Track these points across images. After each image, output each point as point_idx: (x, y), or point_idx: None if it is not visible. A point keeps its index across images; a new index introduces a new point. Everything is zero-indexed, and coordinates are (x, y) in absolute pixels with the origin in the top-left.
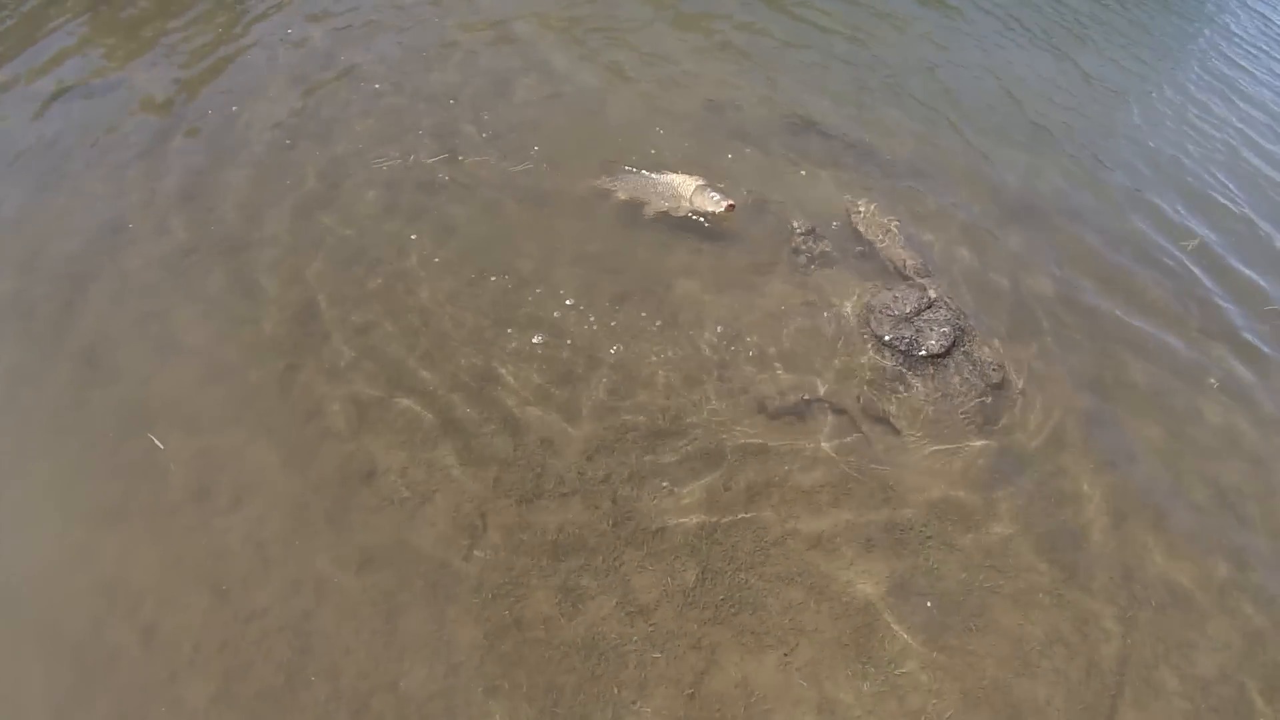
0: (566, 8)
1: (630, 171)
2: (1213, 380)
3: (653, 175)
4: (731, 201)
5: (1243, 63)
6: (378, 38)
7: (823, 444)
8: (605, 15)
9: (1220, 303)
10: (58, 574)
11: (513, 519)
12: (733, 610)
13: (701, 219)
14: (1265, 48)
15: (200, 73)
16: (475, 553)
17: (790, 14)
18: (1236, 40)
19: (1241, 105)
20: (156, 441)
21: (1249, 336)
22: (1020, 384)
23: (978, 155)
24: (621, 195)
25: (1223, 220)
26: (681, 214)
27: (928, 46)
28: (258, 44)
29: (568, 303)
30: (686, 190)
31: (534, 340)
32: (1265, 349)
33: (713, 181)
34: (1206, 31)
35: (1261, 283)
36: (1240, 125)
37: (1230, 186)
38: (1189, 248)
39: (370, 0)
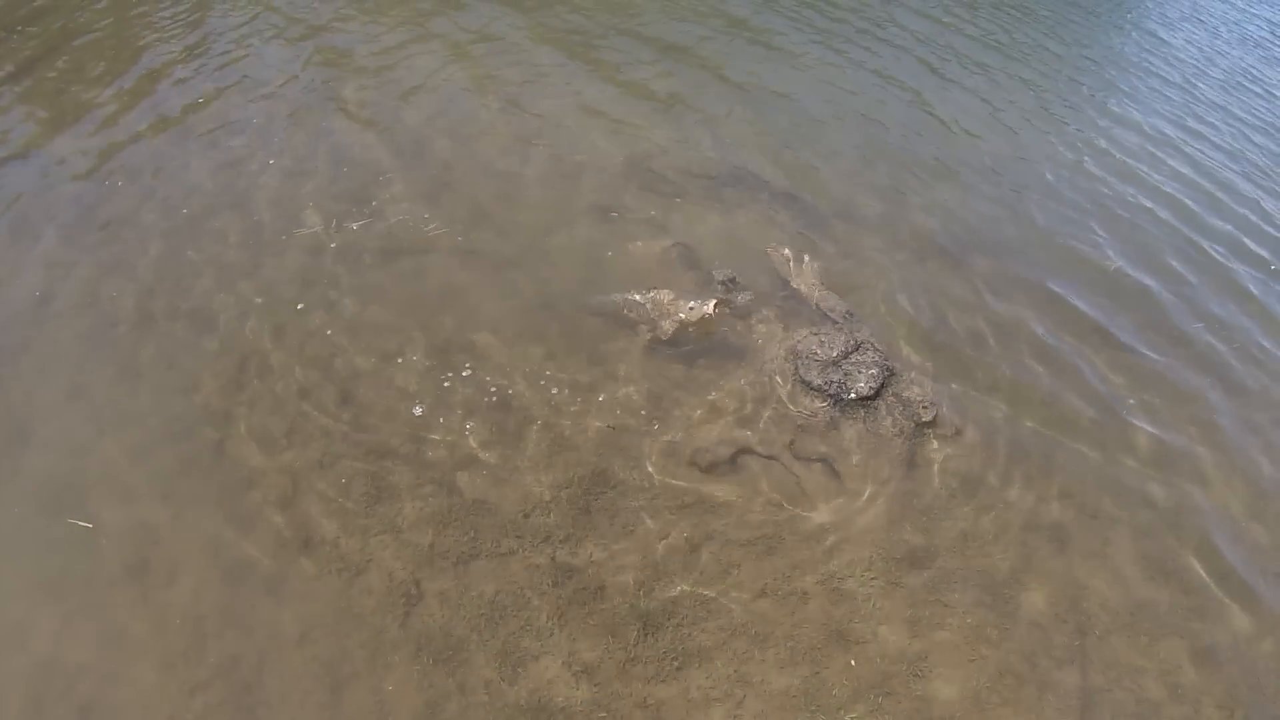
0: (481, 66)
1: (617, 298)
2: (1131, 401)
3: (636, 297)
4: (716, 299)
5: (1147, 85)
6: (292, 103)
7: (757, 493)
8: (519, 68)
9: (1143, 325)
10: None
11: (450, 583)
12: (676, 665)
13: (691, 328)
14: (1162, 72)
15: (119, 141)
16: (412, 619)
17: (704, 66)
18: (1139, 66)
19: (1150, 129)
20: (81, 523)
21: (1172, 358)
22: (952, 420)
23: (899, 194)
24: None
25: (1140, 243)
26: (674, 328)
27: (844, 90)
28: (174, 112)
29: (497, 363)
30: (671, 306)
31: (465, 402)
32: (1185, 372)
33: (681, 291)
34: (1112, 60)
35: (1182, 303)
36: (1151, 149)
37: (1146, 210)
38: (1110, 270)
39: (279, 64)
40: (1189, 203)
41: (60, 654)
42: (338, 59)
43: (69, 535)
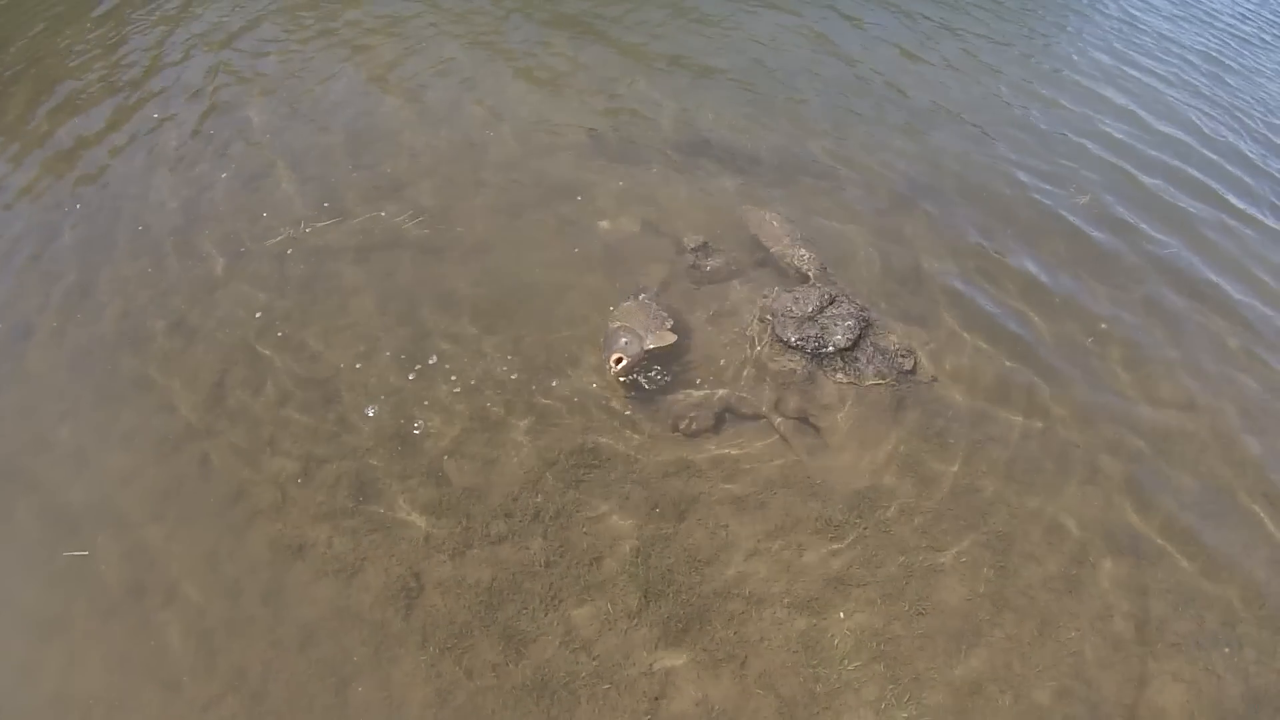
0: (430, 56)
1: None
2: (1104, 325)
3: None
4: (617, 353)
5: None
6: (251, 110)
7: (744, 453)
8: (466, 55)
9: (1118, 255)
10: (2, 696)
11: (447, 573)
12: (679, 629)
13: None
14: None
15: (79, 164)
16: (414, 612)
17: (662, 33)
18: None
19: (1115, 68)
20: (77, 553)
21: (1148, 287)
22: (931, 366)
23: (865, 147)
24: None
25: (1110, 176)
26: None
27: (805, 46)
28: (134, 131)
29: (475, 350)
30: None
31: (445, 390)
32: (1170, 295)
33: (626, 322)
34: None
35: (1154, 232)
36: (1097, 85)
37: (1116, 140)
38: (1083, 203)
39: (235, 71)
40: (1143, 135)
41: (69, 687)
42: (276, 64)
43: (67, 566)
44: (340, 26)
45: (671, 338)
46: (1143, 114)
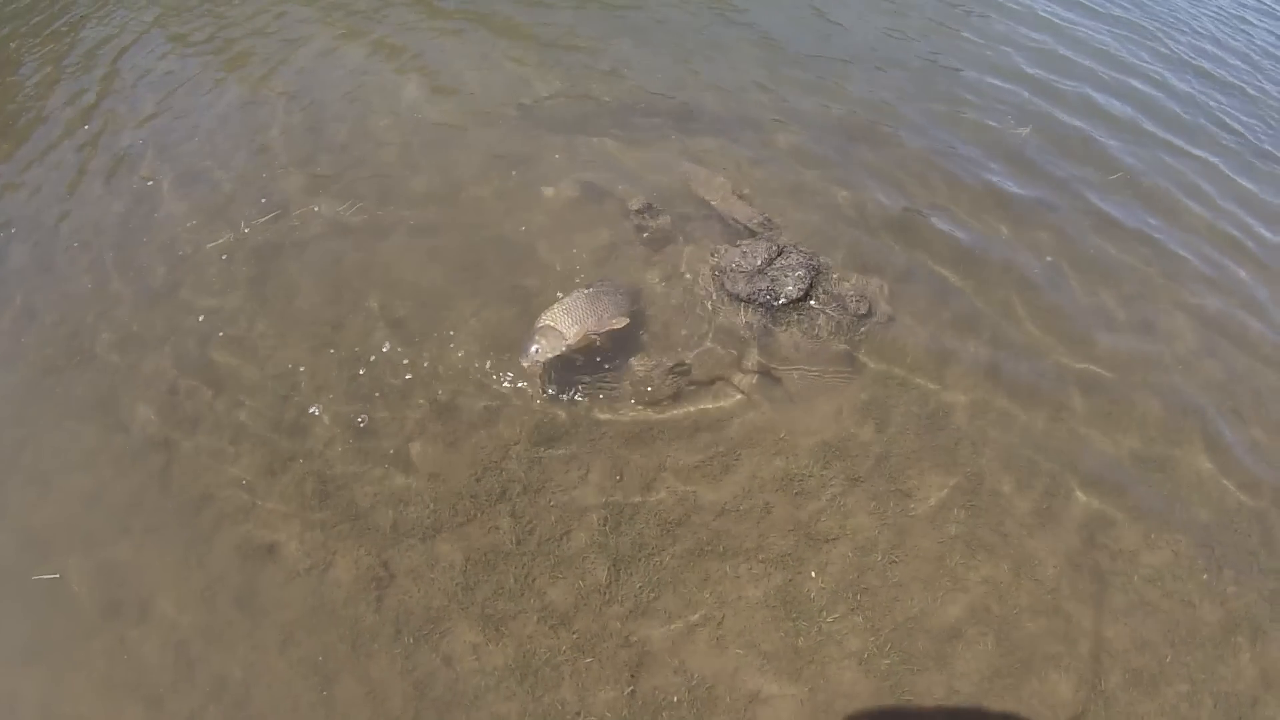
0: (358, 38)
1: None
2: (1048, 256)
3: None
4: (528, 360)
5: None
6: (179, 110)
7: (705, 414)
8: (393, 26)
9: (1061, 181)
10: None
11: (418, 559)
12: (653, 596)
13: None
14: None
15: (11, 185)
16: (386, 602)
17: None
18: None
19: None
20: (48, 576)
21: (1099, 205)
22: (887, 307)
23: (802, 93)
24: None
25: (1053, 103)
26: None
27: (720, 5)
28: (64, 146)
29: (428, 334)
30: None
31: (400, 378)
32: (1116, 214)
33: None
34: None
35: (1101, 153)
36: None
37: (1053, 70)
38: (1024, 134)
39: (165, 77)
40: (1079, 63)
41: (52, 714)
42: (204, 62)
43: (39, 591)
44: (254, 19)
45: (621, 322)
46: (1061, 48)
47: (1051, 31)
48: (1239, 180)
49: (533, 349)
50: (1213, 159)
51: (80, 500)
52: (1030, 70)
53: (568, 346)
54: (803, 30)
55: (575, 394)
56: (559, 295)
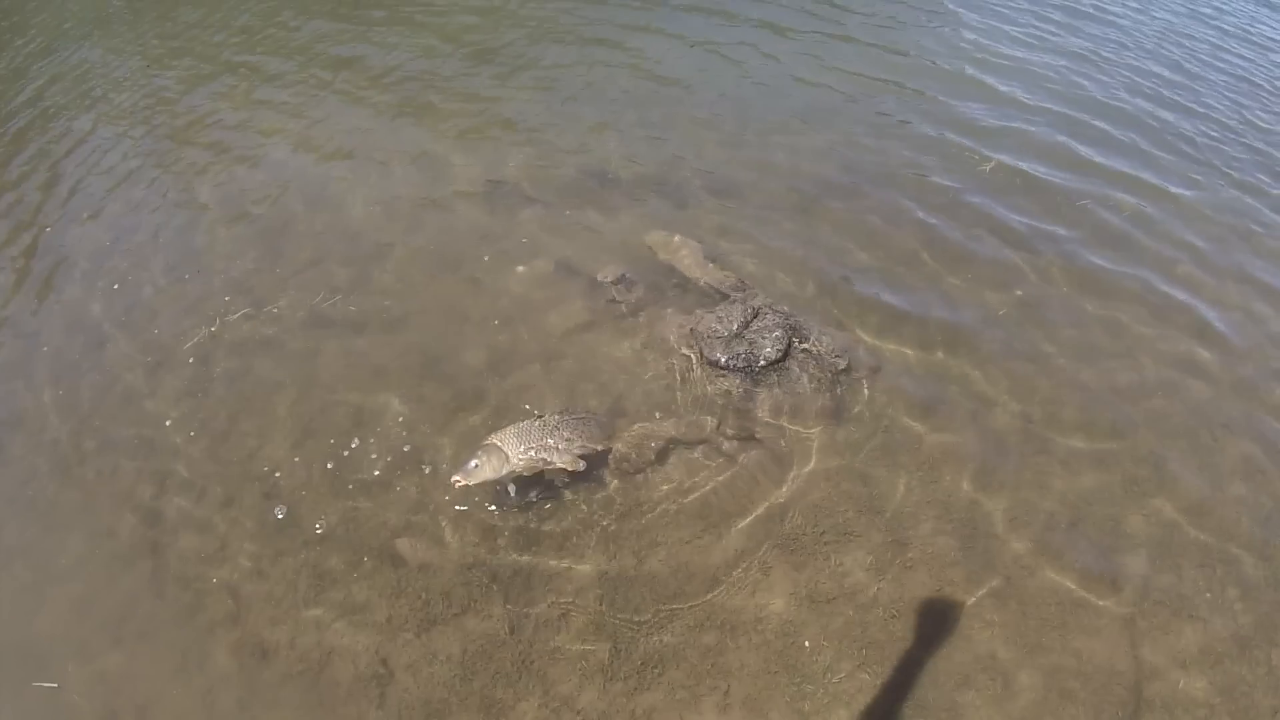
0: (316, 134)
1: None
2: (1018, 289)
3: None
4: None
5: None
6: (141, 212)
7: (693, 483)
8: (337, 121)
9: (1022, 217)
10: None
11: (415, 654)
12: (656, 672)
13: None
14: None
15: None
16: (388, 698)
17: (530, 76)
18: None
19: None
20: (47, 685)
21: (1068, 242)
22: (867, 361)
23: (764, 154)
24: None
25: (1009, 141)
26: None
27: (686, 65)
28: (42, 245)
29: (401, 419)
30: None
31: (382, 468)
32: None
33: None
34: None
35: (1066, 187)
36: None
37: (1006, 114)
38: (987, 170)
39: (117, 177)
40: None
41: None
42: (171, 159)
43: (40, 699)
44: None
45: (572, 464)
46: (1010, 90)
47: (992, 82)
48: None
49: (472, 464)
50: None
51: (72, 610)
52: (993, 113)
53: (510, 472)
54: (767, 97)
55: (529, 498)
56: (528, 408)
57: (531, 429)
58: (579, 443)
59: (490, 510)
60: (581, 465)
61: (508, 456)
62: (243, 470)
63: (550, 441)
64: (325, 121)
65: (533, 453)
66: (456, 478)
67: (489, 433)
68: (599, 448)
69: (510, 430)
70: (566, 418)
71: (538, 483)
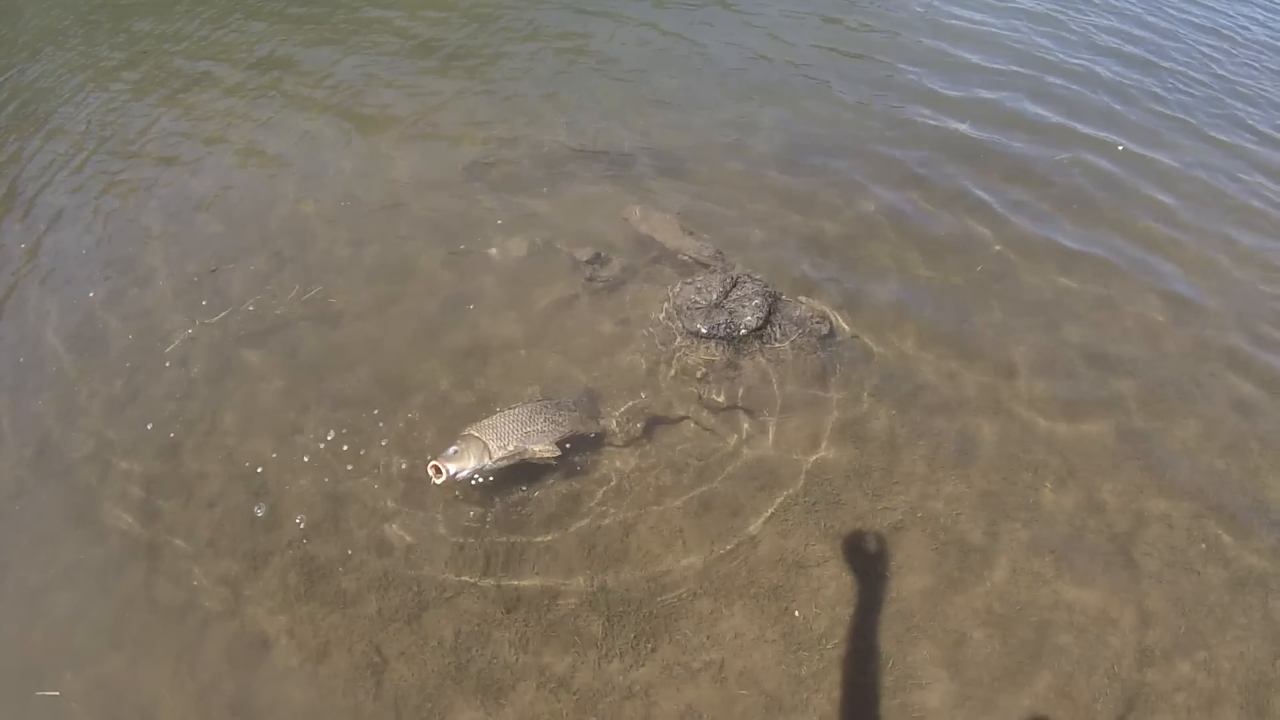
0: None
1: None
2: (997, 246)
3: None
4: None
5: None
6: (92, 213)
7: (679, 456)
8: (295, 127)
9: (1009, 165)
10: None
11: (409, 640)
12: (650, 647)
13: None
14: None
15: None
16: (384, 687)
17: (486, 63)
18: None
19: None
20: (49, 693)
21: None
22: (848, 325)
23: (736, 125)
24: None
25: (973, 105)
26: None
27: (641, 48)
28: (27, 260)
29: (388, 410)
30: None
31: (372, 458)
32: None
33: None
34: None
35: (1022, 154)
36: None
37: (973, 73)
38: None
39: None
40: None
41: None
42: (132, 162)
43: (42, 708)
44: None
45: (551, 452)
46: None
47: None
48: None
49: (451, 450)
50: None
51: (68, 617)
52: (961, 73)
53: (491, 462)
54: (737, 66)
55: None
56: (502, 405)
57: (511, 418)
58: (563, 428)
59: (476, 495)
60: (558, 452)
61: (487, 447)
62: (230, 469)
63: (531, 429)
64: (271, 124)
65: (514, 442)
66: (435, 467)
67: (469, 423)
68: (583, 430)
69: (489, 421)
70: (547, 404)
71: (522, 469)
